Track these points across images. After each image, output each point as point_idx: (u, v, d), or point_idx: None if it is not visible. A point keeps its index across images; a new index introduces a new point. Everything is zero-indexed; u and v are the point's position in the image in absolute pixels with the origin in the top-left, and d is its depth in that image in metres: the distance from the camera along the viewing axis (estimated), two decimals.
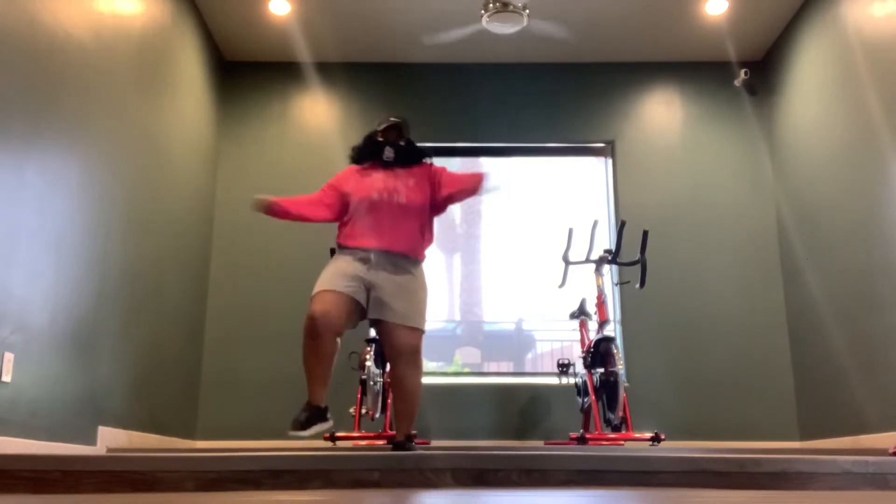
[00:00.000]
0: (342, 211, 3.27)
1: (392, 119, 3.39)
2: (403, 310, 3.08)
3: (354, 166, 3.38)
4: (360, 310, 3.11)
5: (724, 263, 5.53)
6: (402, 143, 3.32)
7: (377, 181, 3.24)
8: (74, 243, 3.51)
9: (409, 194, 3.21)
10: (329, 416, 3.12)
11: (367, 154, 3.36)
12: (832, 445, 4.70)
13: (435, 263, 5.69)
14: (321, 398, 3.10)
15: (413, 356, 3.11)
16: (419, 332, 3.13)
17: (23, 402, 3.08)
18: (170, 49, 4.76)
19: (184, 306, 5.01)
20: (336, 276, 3.07)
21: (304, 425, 3.05)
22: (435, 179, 3.28)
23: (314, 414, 3.07)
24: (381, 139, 3.34)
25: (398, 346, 3.09)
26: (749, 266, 5.52)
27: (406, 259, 3.17)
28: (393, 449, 3.12)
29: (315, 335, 2.99)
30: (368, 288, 3.10)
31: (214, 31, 5.53)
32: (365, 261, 3.12)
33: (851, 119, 4.58)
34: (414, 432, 3.31)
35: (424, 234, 3.26)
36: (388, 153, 3.29)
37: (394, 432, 4.41)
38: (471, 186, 3.18)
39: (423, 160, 3.35)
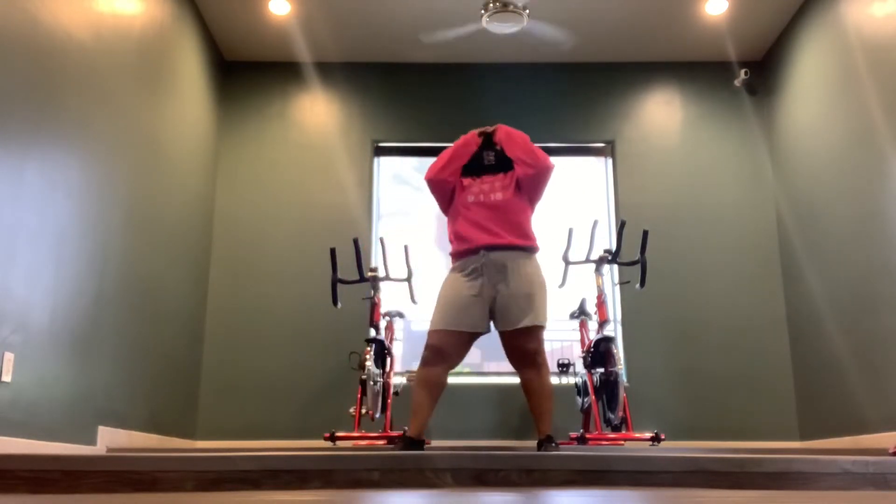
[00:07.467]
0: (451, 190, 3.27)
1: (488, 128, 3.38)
2: (518, 312, 3.05)
3: (471, 149, 3.30)
4: (479, 333, 3.12)
5: (724, 263, 5.53)
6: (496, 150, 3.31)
7: (473, 184, 3.24)
8: (74, 243, 3.51)
9: (504, 191, 3.19)
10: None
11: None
12: (832, 445, 4.70)
13: (435, 264, 5.68)
14: (423, 432, 3.08)
15: (535, 357, 3.06)
16: (537, 329, 3.08)
17: (23, 402, 3.08)
18: (170, 49, 4.76)
19: (184, 306, 5.01)
20: (455, 311, 3.07)
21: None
22: (514, 155, 3.22)
23: (417, 447, 3.01)
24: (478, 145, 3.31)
25: (519, 352, 3.08)
26: (749, 266, 5.52)
27: (516, 250, 3.13)
28: (537, 449, 3.01)
29: (433, 364, 3.05)
30: (490, 302, 3.09)
31: (214, 31, 5.53)
32: (476, 270, 3.10)
33: (851, 119, 4.58)
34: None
35: (529, 224, 3.23)
36: (489, 157, 3.28)
37: (394, 432, 4.47)
38: (534, 170, 3.17)
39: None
